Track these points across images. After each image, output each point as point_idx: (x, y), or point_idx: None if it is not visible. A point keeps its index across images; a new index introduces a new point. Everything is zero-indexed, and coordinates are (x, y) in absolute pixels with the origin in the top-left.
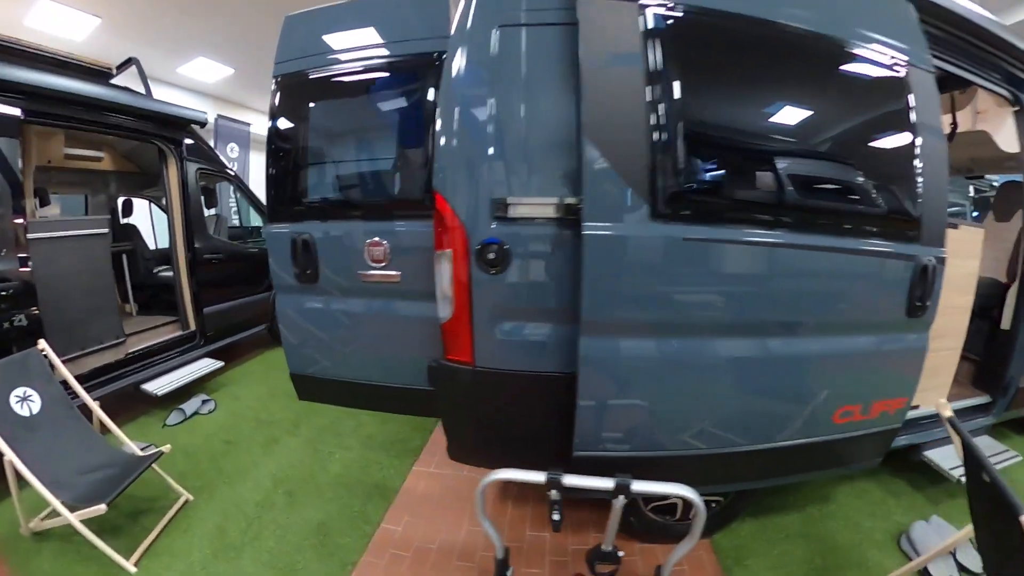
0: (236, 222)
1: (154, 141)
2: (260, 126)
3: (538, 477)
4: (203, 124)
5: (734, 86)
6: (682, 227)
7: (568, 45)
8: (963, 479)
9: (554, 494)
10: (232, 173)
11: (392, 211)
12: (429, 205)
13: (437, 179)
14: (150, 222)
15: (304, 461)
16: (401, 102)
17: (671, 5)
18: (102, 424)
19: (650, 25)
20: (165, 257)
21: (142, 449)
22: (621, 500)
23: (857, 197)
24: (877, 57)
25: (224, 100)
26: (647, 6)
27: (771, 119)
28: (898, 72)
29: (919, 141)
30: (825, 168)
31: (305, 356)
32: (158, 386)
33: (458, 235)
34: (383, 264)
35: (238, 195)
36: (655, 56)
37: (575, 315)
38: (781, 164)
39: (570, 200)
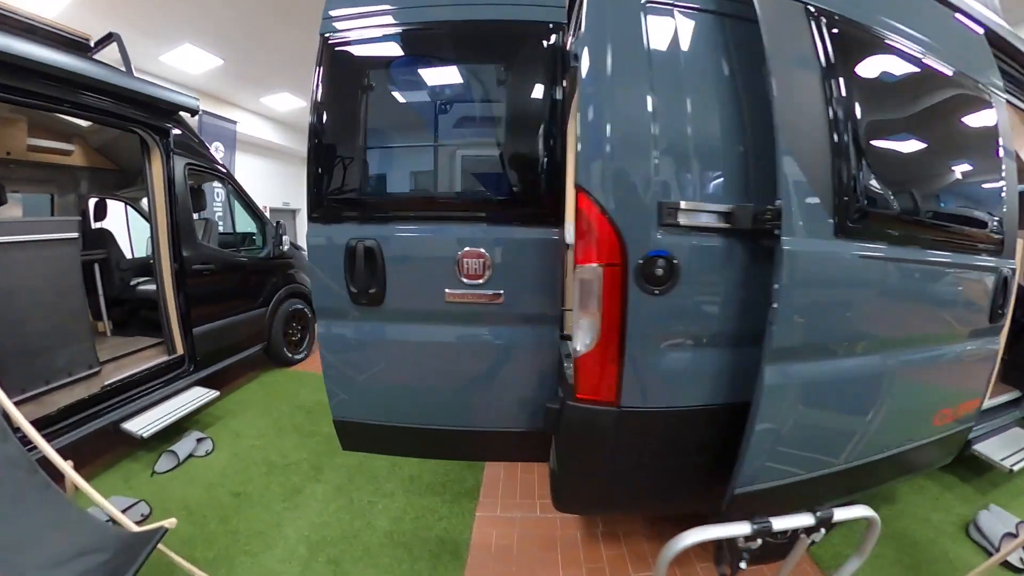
0: (220, 227)
1: (136, 129)
2: (247, 125)
3: (741, 529)
4: (195, 112)
5: (902, 105)
6: (861, 244)
7: (729, 37)
8: (1015, 468)
9: (755, 543)
10: (224, 170)
11: (497, 212)
12: (548, 205)
13: (582, 174)
14: (126, 227)
15: (340, 516)
16: (504, 75)
17: (841, 17)
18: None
19: (831, 35)
20: (144, 268)
21: (126, 510)
22: (822, 534)
23: (977, 216)
24: (979, 88)
25: (209, 95)
26: (824, 14)
27: (922, 144)
28: (989, 98)
29: (1007, 161)
30: (962, 190)
31: (357, 398)
32: (142, 425)
33: (612, 246)
34: (481, 281)
35: (230, 196)
36: (838, 64)
37: (743, 338)
38: (932, 186)
39: (754, 209)
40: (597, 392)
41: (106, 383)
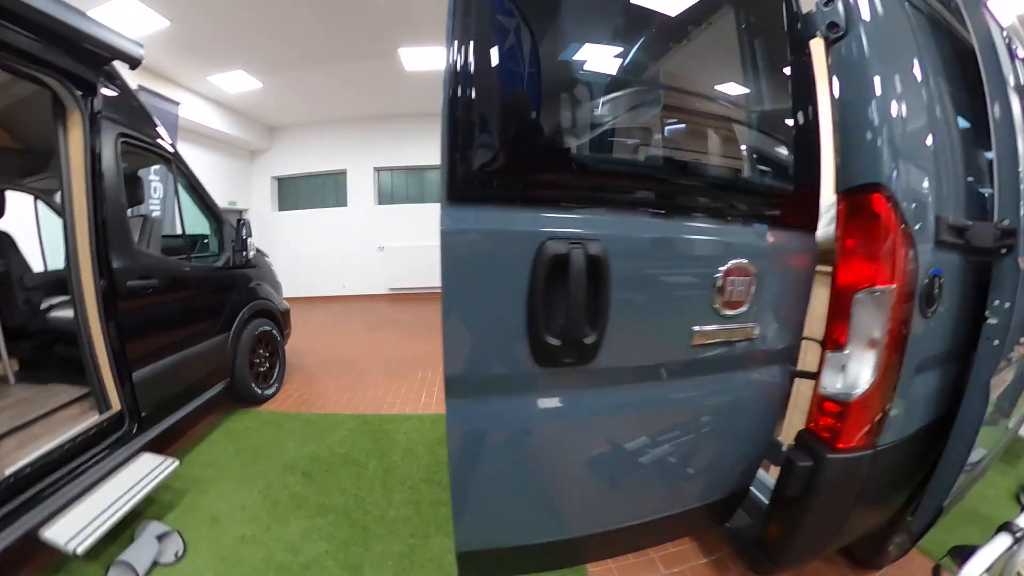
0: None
1: (46, 78)
2: (189, 108)
3: (1004, 543)
4: (136, 62)
5: None
6: None
7: (944, 46)
8: None
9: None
10: (171, 150)
11: (770, 210)
12: (810, 203)
13: (885, 172)
14: (36, 230)
15: None
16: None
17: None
18: None
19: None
20: (61, 285)
21: None
22: None
23: None
24: None
25: (148, 68)
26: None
27: None
28: None
29: None
30: None
31: (509, 518)
32: (72, 531)
33: (905, 262)
34: (742, 310)
35: (179, 185)
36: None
37: (952, 355)
38: None
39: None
40: (862, 438)
41: (8, 473)
